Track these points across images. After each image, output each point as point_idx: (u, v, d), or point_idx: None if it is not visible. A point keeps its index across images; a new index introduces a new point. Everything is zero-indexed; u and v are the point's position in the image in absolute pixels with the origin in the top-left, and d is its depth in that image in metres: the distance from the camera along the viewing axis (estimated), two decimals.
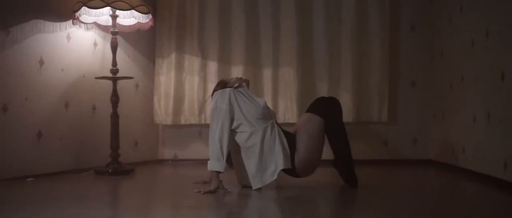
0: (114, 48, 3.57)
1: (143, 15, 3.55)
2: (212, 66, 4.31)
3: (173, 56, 4.35)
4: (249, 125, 2.63)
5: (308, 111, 2.86)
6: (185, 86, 4.37)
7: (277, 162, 2.63)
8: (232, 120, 2.61)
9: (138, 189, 3.00)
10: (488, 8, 2.93)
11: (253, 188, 2.67)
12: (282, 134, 2.70)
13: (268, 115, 2.73)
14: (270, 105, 4.27)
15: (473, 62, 3.19)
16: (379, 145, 4.30)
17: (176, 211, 2.20)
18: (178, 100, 4.35)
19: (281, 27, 4.24)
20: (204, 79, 4.33)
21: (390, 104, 4.23)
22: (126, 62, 4.11)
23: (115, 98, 3.57)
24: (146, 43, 4.37)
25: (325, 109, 2.79)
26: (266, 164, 2.64)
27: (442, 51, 3.90)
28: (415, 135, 4.27)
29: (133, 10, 3.40)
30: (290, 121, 4.21)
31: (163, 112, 4.39)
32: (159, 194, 2.79)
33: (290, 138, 2.72)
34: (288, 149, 2.66)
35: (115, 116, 3.58)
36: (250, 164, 2.66)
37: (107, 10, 3.48)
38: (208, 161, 2.59)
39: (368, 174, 3.42)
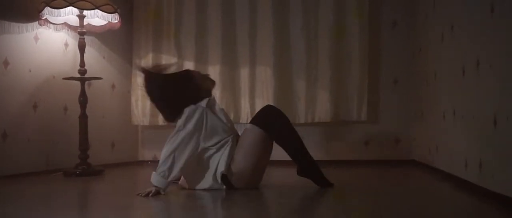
0: (81, 48, 3.55)
1: (111, 14, 3.52)
2: (189, 66, 4.24)
3: (150, 56, 4.32)
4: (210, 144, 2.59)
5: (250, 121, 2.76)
6: None
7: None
8: (197, 147, 2.55)
9: (99, 191, 2.97)
10: (455, 2, 2.82)
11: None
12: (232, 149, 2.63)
13: (228, 130, 2.66)
14: (247, 105, 4.20)
15: (442, 57, 3.07)
16: (360, 145, 4.19)
17: (118, 213, 2.15)
18: None
19: (257, 25, 4.17)
20: None
21: (371, 102, 4.12)
22: (101, 63, 4.09)
23: (83, 98, 3.56)
24: (123, 43, 4.35)
25: (263, 118, 2.67)
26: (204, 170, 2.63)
27: (421, 48, 3.78)
28: (398, 134, 4.16)
29: (97, 10, 3.37)
30: None
31: (140, 113, 4.36)
32: (114, 194, 2.75)
33: None
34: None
35: (83, 117, 3.56)
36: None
37: (75, 10, 3.46)
38: (153, 172, 2.51)
39: (349, 175, 3.32)
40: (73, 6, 3.33)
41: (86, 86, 3.85)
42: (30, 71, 3.47)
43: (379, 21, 4.18)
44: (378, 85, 4.18)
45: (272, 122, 2.63)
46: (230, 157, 2.59)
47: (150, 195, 2.42)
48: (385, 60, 4.18)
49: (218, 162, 2.59)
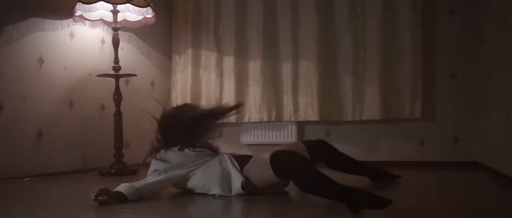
0: (115, 44, 3.46)
1: (144, 9, 3.40)
2: (228, 62, 4.07)
3: (190, 52, 4.17)
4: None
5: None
6: (202, 84, 4.18)
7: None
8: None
9: None
10: None
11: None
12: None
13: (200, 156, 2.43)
14: (289, 102, 3.95)
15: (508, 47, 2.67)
16: (414, 145, 3.82)
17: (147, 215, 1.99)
18: (195, 98, 4.17)
19: (300, 16, 3.90)
20: (220, 75, 4.11)
21: (426, 98, 3.74)
22: (139, 60, 4.00)
23: (117, 96, 3.46)
24: (162, 39, 4.24)
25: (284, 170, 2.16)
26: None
27: (482, 37, 3.36)
28: (456, 133, 3.75)
29: (128, 4, 3.26)
30: (311, 119, 3.87)
31: None
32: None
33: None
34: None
35: (118, 114, 3.47)
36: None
37: (108, 6, 3.37)
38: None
39: (404, 178, 3.01)
40: (104, 1, 3.23)
41: (124, 84, 3.78)
42: (65, 69, 3.42)
43: (435, 9, 3.79)
44: (433, 79, 3.79)
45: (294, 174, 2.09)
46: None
47: (99, 198, 2.14)
48: (442, 52, 3.78)
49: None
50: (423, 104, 3.70)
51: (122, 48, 3.79)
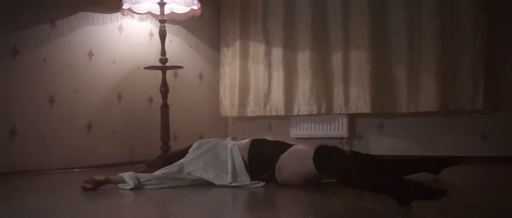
0: (162, 36, 3.45)
1: (190, 0, 3.37)
2: (277, 53, 3.97)
3: (238, 44, 4.11)
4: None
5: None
6: (250, 76, 4.10)
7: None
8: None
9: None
10: None
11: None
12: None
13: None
14: (340, 94, 3.79)
15: None
16: (477, 139, 3.55)
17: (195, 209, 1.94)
18: (244, 91, 4.11)
19: (351, 3, 3.73)
20: (268, 67, 4.02)
21: (489, 88, 3.45)
22: (187, 53, 3.99)
23: (164, 88, 3.45)
24: (210, 32, 4.21)
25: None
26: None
27: None
28: None
29: None
30: (363, 111, 3.70)
31: (228, 103, 4.18)
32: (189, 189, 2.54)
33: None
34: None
35: (164, 107, 3.46)
36: None
37: None
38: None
39: (467, 174, 2.80)
40: None
41: (173, 77, 3.78)
42: (114, 62, 3.46)
43: None
44: (498, 67, 3.50)
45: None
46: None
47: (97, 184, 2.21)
48: (507, 34, 3.47)
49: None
50: (486, 95, 3.42)
51: (171, 41, 3.79)
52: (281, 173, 2.24)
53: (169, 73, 3.58)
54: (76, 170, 3.11)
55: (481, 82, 3.40)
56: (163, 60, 3.46)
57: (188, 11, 3.58)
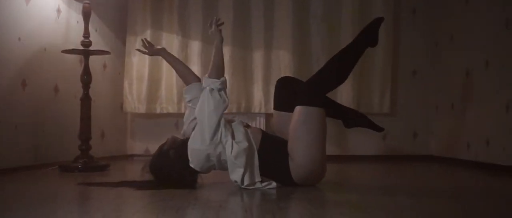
0: (86, 15, 2.92)
1: None
2: (195, 47, 3.72)
3: (148, 33, 3.71)
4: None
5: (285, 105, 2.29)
6: (162, 69, 3.75)
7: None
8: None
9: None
10: None
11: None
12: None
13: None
14: (260, 94, 3.76)
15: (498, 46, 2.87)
16: (378, 139, 3.92)
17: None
18: (154, 85, 3.73)
19: (275, 6, 3.73)
20: (185, 62, 3.73)
21: (391, 94, 3.86)
22: (93, 37, 3.43)
23: (87, 77, 2.91)
24: (118, 17, 3.71)
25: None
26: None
27: (453, 36, 3.57)
28: (416, 128, 3.94)
29: None
30: None
31: (135, 98, 3.74)
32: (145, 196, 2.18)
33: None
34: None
35: (86, 99, 2.92)
36: None
37: None
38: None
39: (368, 173, 3.01)
40: None
41: (77, 64, 3.22)
42: (19, 39, 2.76)
43: (399, 8, 3.93)
44: (396, 76, 3.93)
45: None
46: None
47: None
48: (404, 50, 3.94)
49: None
50: (394, 100, 3.82)
51: (78, 22, 3.22)
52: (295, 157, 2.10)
53: (70, 58, 3.02)
54: None
55: (388, 89, 3.78)
56: (86, 43, 2.91)
57: None
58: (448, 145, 3.61)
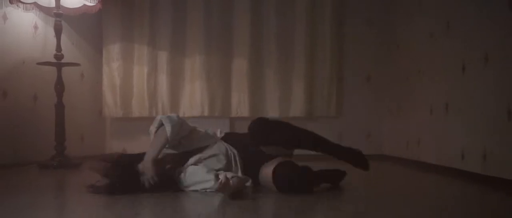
0: (58, 31, 3.30)
1: None
2: (163, 56, 4.10)
3: (119, 46, 4.08)
4: None
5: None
6: (132, 78, 4.13)
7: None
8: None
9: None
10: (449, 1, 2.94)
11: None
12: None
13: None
14: (220, 98, 4.12)
15: (431, 54, 3.20)
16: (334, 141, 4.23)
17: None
18: (127, 92, 4.11)
19: (235, 17, 4.09)
20: (154, 70, 4.12)
21: (345, 98, 4.20)
22: (70, 50, 3.81)
23: (59, 86, 3.30)
24: (93, 29, 4.09)
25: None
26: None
27: (399, 44, 3.90)
28: (370, 129, 4.27)
29: None
30: (244, 115, 4.09)
31: (113, 104, 4.13)
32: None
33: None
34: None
35: (60, 106, 3.31)
36: None
37: None
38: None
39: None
40: None
41: (48, 77, 3.59)
42: None
43: (355, 18, 4.25)
44: (351, 81, 4.25)
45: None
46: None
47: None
48: (360, 57, 4.27)
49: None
50: (340, 103, 4.16)
51: (54, 36, 3.61)
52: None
53: (48, 70, 3.40)
54: None
55: (333, 94, 4.13)
56: (59, 56, 3.30)
57: (81, 7, 3.47)
58: (396, 145, 3.93)
